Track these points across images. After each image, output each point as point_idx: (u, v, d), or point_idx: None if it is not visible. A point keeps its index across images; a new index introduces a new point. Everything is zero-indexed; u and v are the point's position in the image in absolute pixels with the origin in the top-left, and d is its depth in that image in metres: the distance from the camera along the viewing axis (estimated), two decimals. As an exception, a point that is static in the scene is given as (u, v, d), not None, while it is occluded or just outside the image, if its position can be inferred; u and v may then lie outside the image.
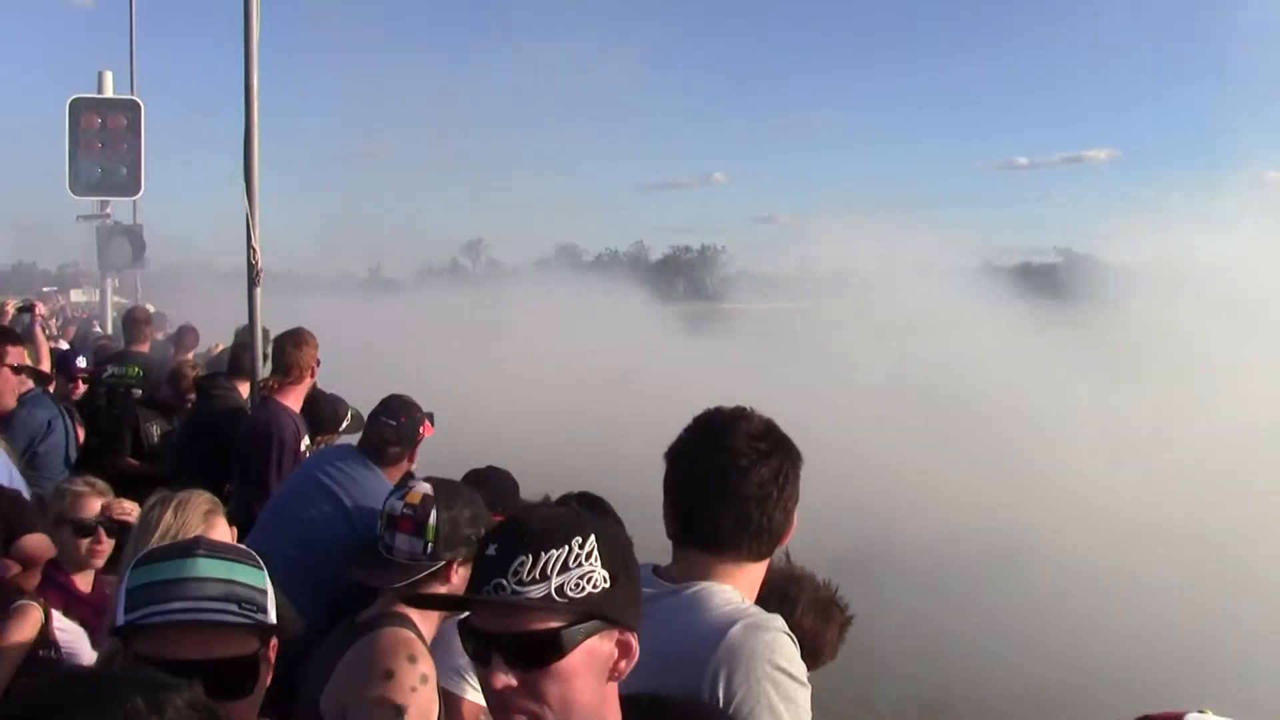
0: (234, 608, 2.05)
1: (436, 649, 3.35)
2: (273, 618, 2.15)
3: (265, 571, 2.19)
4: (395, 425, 5.38)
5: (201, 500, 3.89)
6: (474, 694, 3.43)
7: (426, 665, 2.93)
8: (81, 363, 8.41)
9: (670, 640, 2.41)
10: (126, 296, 14.45)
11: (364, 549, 3.27)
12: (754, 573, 2.70)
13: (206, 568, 2.09)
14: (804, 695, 2.46)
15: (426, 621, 3.12)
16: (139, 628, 2.04)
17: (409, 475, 3.59)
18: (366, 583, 3.20)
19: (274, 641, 2.17)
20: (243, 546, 2.30)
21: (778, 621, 2.51)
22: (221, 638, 2.04)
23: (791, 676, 2.43)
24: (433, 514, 3.18)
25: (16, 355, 5.65)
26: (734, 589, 2.58)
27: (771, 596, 2.93)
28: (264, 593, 2.14)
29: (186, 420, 7.72)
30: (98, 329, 14.58)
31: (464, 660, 3.44)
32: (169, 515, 3.75)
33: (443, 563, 3.18)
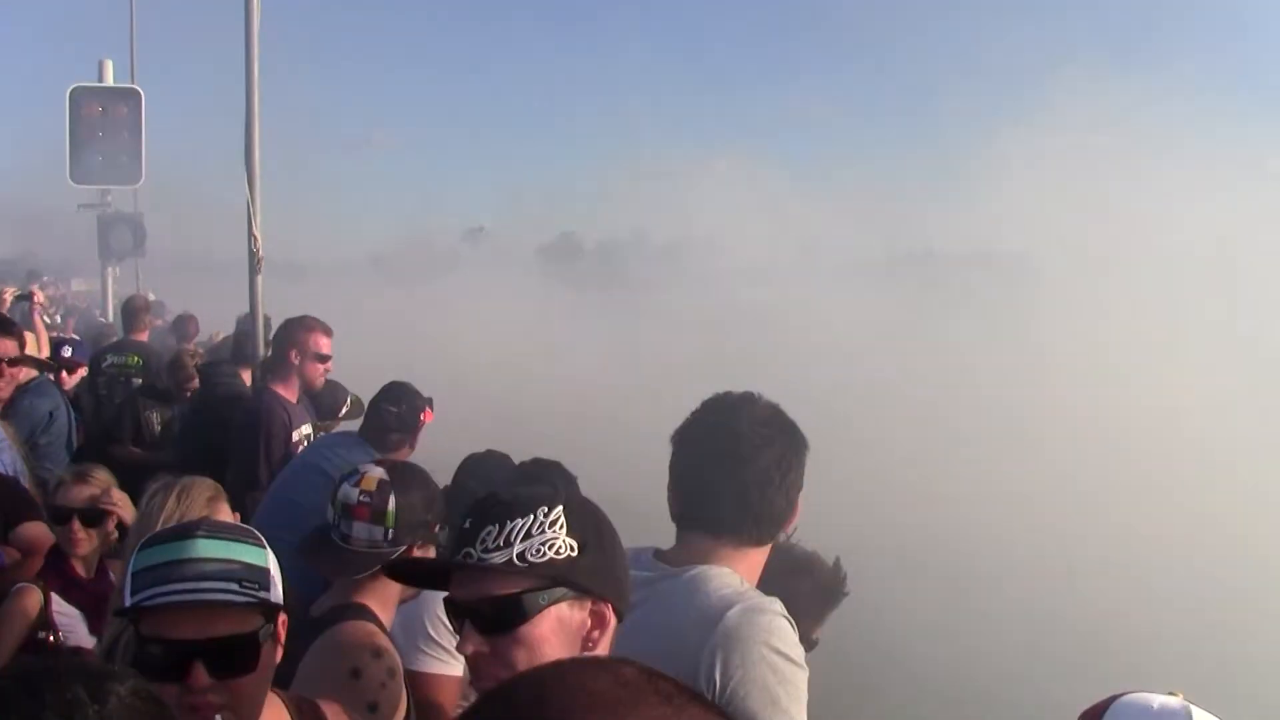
0: (234, 586, 2.07)
1: (398, 631, 3.34)
2: (277, 595, 2.15)
3: (267, 550, 2.19)
4: (396, 411, 5.38)
5: (204, 487, 3.89)
6: (443, 666, 3.41)
7: (392, 658, 2.88)
8: (67, 352, 8.35)
9: (668, 623, 2.42)
10: (127, 285, 14.45)
11: (317, 539, 3.14)
12: (755, 557, 2.70)
13: (206, 548, 2.10)
14: (801, 678, 2.46)
15: (384, 608, 3.06)
16: (143, 609, 2.06)
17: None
18: (325, 574, 3.12)
19: (283, 618, 2.18)
20: (245, 526, 2.30)
21: (775, 605, 2.51)
22: (222, 616, 2.05)
23: (788, 659, 2.43)
24: (391, 499, 3.07)
25: (8, 347, 5.62)
26: (733, 572, 2.58)
27: None
28: (266, 571, 2.14)
29: (190, 408, 7.72)
30: (101, 318, 14.58)
31: (426, 636, 3.42)
32: (171, 502, 3.76)
33: (403, 547, 3.08)
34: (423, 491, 3.18)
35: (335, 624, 2.91)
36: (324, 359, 6.38)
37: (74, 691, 1.43)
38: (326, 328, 6.43)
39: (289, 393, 6.32)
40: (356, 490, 3.08)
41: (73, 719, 1.41)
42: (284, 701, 2.35)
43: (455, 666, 3.35)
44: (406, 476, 3.18)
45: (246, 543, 2.16)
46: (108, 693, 1.45)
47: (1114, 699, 2.05)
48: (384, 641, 2.92)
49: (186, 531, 2.16)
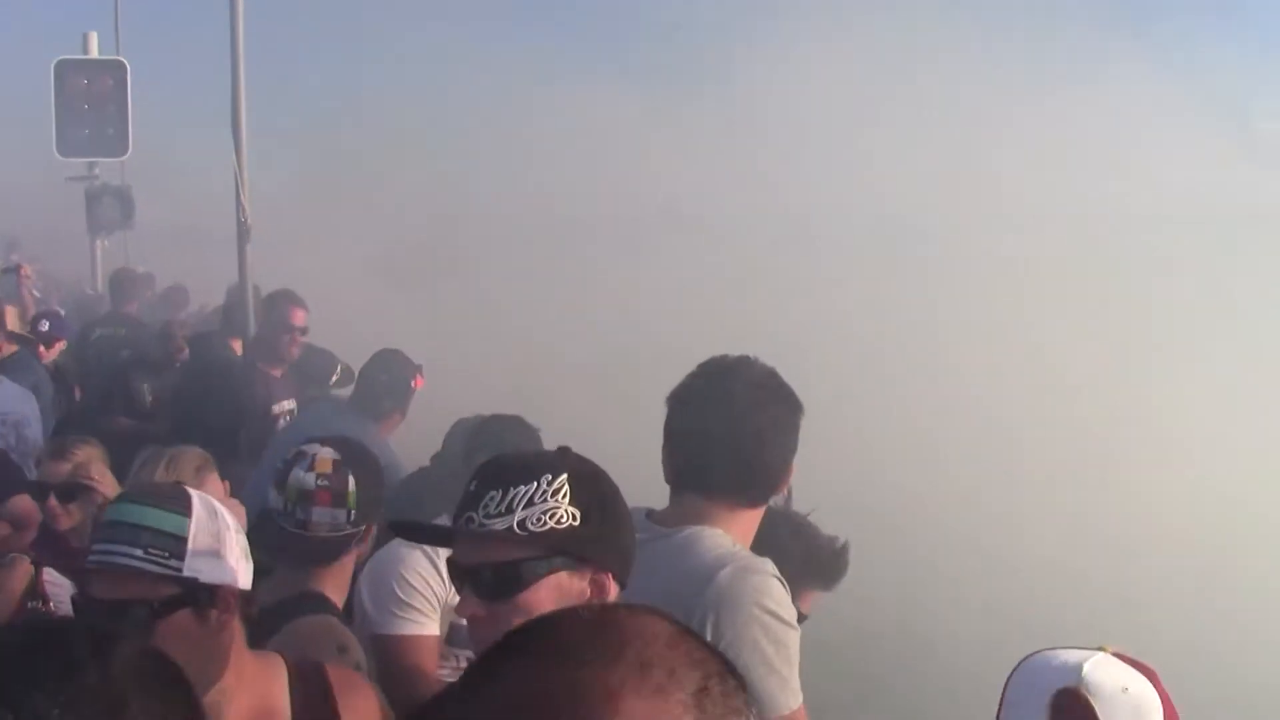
0: (138, 552, 2.07)
1: (366, 599, 3.30)
2: (201, 566, 2.12)
3: (189, 518, 2.14)
4: (386, 379, 5.37)
5: (193, 456, 3.89)
6: (417, 627, 3.38)
7: (357, 653, 2.83)
8: (45, 326, 8.30)
9: (660, 584, 2.40)
10: (116, 258, 14.40)
11: (269, 531, 2.95)
12: (748, 518, 2.70)
13: (124, 512, 2.13)
14: (793, 638, 2.46)
15: (339, 592, 2.99)
16: (86, 568, 2.14)
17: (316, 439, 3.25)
18: (290, 565, 2.97)
19: (230, 590, 2.15)
20: (183, 491, 2.25)
21: (768, 565, 2.51)
22: (125, 580, 2.07)
23: (780, 619, 2.44)
24: (350, 479, 2.95)
25: None
26: (725, 533, 2.58)
27: None
28: (182, 540, 2.11)
29: (181, 379, 7.72)
30: (89, 290, 14.53)
31: (396, 600, 3.33)
32: (160, 472, 3.76)
33: (363, 527, 2.98)
34: (373, 466, 3.09)
35: (293, 618, 2.81)
36: (290, 330, 6.40)
37: (77, 651, 1.41)
38: (299, 300, 6.47)
39: (272, 367, 6.33)
40: (312, 475, 2.94)
41: (74, 679, 1.39)
42: (286, 664, 2.35)
43: (430, 626, 3.31)
44: (357, 453, 3.08)
45: (166, 509, 2.14)
46: (112, 652, 1.43)
47: (1027, 657, 2.04)
48: (345, 635, 2.86)
49: (122, 496, 2.23)
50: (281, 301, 6.40)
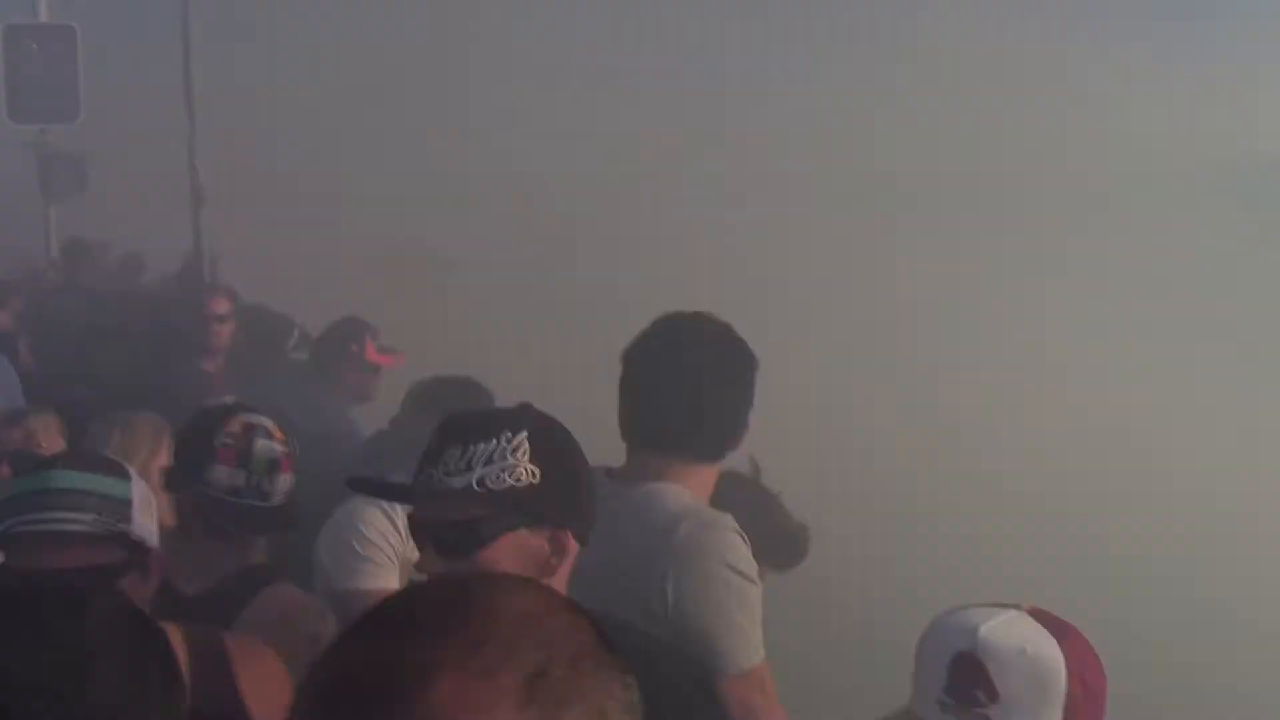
0: (89, 518, 2.07)
1: (324, 558, 3.29)
2: (143, 529, 2.13)
3: (131, 481, 2.16)
4: (347, 348, 5.34)
5: (149, 422, 3.86)
6: (376, 581, 3.32)
7: (333, 619, 2.82)
8: None
9: (620, 541, 2.40)
10: (70, 225, 14.27)
11: (229, 509, 2.87)
12: (705, 474, 2.69)
13: (64, 479, 2.12)
14: (755, 593, 2.47)
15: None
16: (7, 538, 2.08)
17: (234, 409, 3.10)
18: (251, 538, 2.93)
19: (155, 554, 2.15)
20: (111, 458, 2.28)
21: (728, 520, 2.51)
22: (75, 547, 2.05)
23: (742, 575, 2.44)
24: (294, 443, 2.99)
25: None
26: (684, 489, 2.58)
27: None
28: (127, 503, 2.12)
29: (140, 348, 7.66)
30: (43, 259, 14.39)
31: (354, 554, 3.30)
32: (116, 438, 3.73)
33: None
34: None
35: (255, 591, 2.77)
36: (209, 320, 6.36)
37: (48, 608, 1.39)
38: (220, 289, 6.60)
39: (204, 360, 6.30)
40: (275, 443, 2.93)
41: (43, 636, 1.37)
42: (181, 634, 2.31)
43: (390, 579, 3.30)
44: (270, 413, 3.08)
45: (108, 475, 2.15)
46: (85, 608, 1.41)
47: (938, 617, 2.00)
48: (319, 601, 2.89)
49: (48, 463, 2.20)
50: (203, 293, 6.39)
